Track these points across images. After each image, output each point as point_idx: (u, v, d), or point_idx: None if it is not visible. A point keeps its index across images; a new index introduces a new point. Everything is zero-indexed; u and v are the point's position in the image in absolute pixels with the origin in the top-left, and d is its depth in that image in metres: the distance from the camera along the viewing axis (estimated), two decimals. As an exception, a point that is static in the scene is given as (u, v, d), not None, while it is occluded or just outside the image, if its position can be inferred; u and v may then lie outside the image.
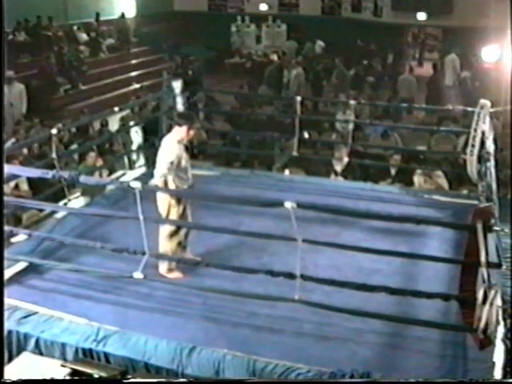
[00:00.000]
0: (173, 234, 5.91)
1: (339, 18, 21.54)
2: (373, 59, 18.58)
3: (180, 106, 8.61)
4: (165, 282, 5.63)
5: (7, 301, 4.64)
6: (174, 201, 5.83)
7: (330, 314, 5.11)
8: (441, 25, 19.83)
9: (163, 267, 5.88)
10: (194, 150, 8.40)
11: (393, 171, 9.33)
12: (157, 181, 5.85)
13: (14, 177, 7.49)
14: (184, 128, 5.94)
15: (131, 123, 10.04)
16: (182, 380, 4.59)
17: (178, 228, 5.95)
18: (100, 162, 8.94)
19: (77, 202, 7.30)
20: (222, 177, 8.58)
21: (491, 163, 6.54)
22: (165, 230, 5.90)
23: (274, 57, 19.51)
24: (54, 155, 7.00)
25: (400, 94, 15.50)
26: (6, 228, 5.28)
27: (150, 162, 8.68)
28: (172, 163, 5.78)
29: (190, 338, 4.93)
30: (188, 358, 4.67)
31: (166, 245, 5.91)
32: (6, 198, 4.93)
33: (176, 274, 5.89)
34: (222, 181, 8.35)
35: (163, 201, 5.84)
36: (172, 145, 5.91)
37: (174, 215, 5.88)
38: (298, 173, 9.33)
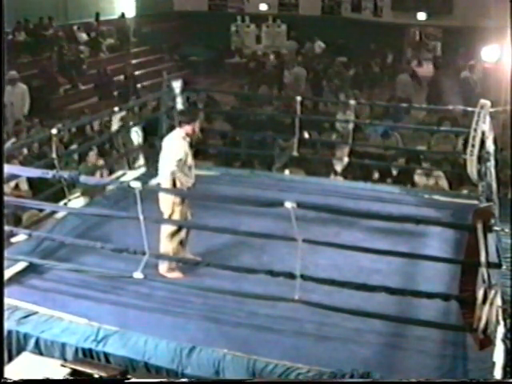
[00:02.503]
0: (174, 234, 5.92)
1: (339, 18, 21.52)
2: (372, 59, 18.58)
3: (180, 105, 8.62)
4: (165, 282, 5.63)
5: (7, 301, 4.64)
6: (178, 199, 5.85)
7: (329, 314, 5.12)
8: (441, 25, 19.81)
9: (163, 267, 5.88)
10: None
11: (394, 172, 9.34)
12: (166, 179, 5.85)
13: (14, 177, 7.49)
14: (188, 125, 5.99)
15: (131, 123, 10.03)
16: (182, 380, 4.59)
17: (180, 227, 5.96)
18: (100, 162, 8.94)
19: (77, 202, 7.29)
20: (222, 177, 8.58)
21: (491, 163, 6.54)
22: (167, 229, 5.90)
23: (274, 57, 19.52)
24: (54, 155, 7.01)
25: (397, 94, 15.51)
26: (6, 228, 5.27)
27: (151, 162, 8.69)
28: (181, 160, 5.82)
29: (190, 337, 4.93)
30: (188, 358, 4.67)
31: (167, 244, 5.91)
32: (6, 198, 4.93)
33: (176, 274, 5.89)
34: (222, 181, 8.35)
35: (167, 199, 5.85)
36: (178, 142, 5.94)
37: (177, 214, 5.89)
38: (298, 173, 9.33)
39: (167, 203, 5.86)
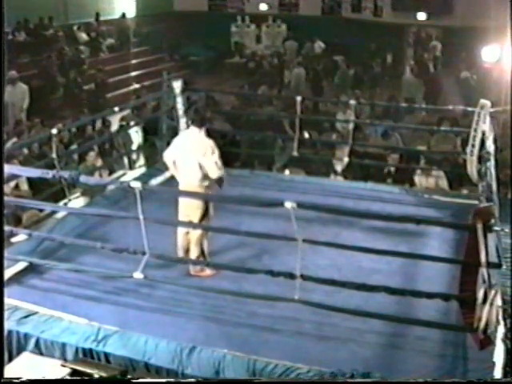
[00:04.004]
0: (203, 236, 5.99)
1: (339, 18, 21.52)
2: (373, 59, 18.60)
3: (180, 105, 8.61)
4: (165, 282, 5.63)
5: (7, 301, 4.64)
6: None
7: (330, 314, 5.12)
8: (441, 25, 19.80)
9: (195, 268, 5.93)
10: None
11: (392, 169, 9.34)
12: (197, 173, 5.91)
13: (14, 177, 7.48)
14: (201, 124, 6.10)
15: (131, 123, 10.03)
16: (182, 380, 4.60)
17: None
18: (100, 162, 8.94)
19: (77, 202, 7.29)
20: (222, 177, 8.55)
21: (491, 163, 6.54)
22: (196, 233, 5.96)
23: (274, 57, 19.53)
24: (54, 155, 7.01)
25: (403, 95, 15.49)
26: (6, 228, 5.28)
27: (151, 162, 8.69)
28: (213, 152, 5.95)
29: (190, 337, 4.93)
30: (188, 358, 4.67)
31: (198, 246, 5.97)
32: (6, 198, 4.93)
33: (208, 272, 5.91)
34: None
35: (198, 202, 5.92)
36: (201, 137, 6.00)
37: (211, 210, 5.97)
38: (298, 173, 9.32)
39: (198, 206, 5.89)
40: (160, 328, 5.08)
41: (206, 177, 5.94)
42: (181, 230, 6.08)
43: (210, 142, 6.03)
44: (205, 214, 5.95)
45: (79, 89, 15.55)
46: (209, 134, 6.18)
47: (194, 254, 6.00)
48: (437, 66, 17.28)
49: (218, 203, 6.73)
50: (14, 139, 10.10)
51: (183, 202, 5.96)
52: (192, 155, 5.92)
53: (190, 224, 6.04)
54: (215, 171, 5.94)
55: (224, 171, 6.11)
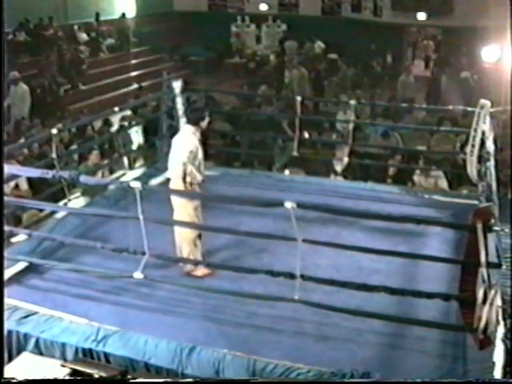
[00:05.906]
0: (192, 234, 5.96)
1: (339, 18, 21.53)
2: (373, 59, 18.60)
3: (180, 105, 8.61)
4: (165, 282, 5.63)
5: (7, 301, 4.65)
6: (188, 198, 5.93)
7: (330, 314, 5.13)
8: (441, 25, 19.80)
9: (189, 266, 5.93)
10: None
11: (392, 171, 9.34)
12: (176, 169, 5.90)
13: (14, 177, 7.48)
14: (202, 122, 6.15)
15: (132, 123, 10.03)
16: (182, 380, 4.60)
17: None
18: (101, 162, 8.93)
19: (77, 202, 7.30)
20: (222, 177, 8.57)
21: (491, 163, 6.54)
22: (185, 232, 5.94)
23: (274, 57, 19.55)
24: (53, 155, 7.01)
25: (399, 95, 15.50)
26: (6, 228, 5.27)
27: (150, 162, 8.70)
28: (192, 152, 5.91)
29: (190, 337, 4.94)
30: (188, 358, 4.67)
31: (189, 245, 5.96)
32: (6, 198, 4.93)
33: (204, 271, 5.91)
34: (221, 181, 8.34)
35: (179, 198, 5.90)
36: (188, 136, 6.05)
37: (192, 209, 5.93)
38: (298, 173, 9.32)
39: (179, 201, 5.90)
40: (160, 328, 5.09)
41: (186, 174, 5.95)
42: (176, 230, 6.10)
43: (196, 143, 6.02)
44: (189, 213, 5.95)
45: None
46: (203, 134, 6.23)
47: (184, 252, 5.99)
48: (429, 65, 17.24)
49: (218, 203, 6.76)
50: (22, 140, 9.98)
51: (171, 200, 6.02)
52: (177, 152, 5.99)
53: (189, 224, 6.05)
54: (195, 175, 5.96)
55: (203, 176, 6.07)
